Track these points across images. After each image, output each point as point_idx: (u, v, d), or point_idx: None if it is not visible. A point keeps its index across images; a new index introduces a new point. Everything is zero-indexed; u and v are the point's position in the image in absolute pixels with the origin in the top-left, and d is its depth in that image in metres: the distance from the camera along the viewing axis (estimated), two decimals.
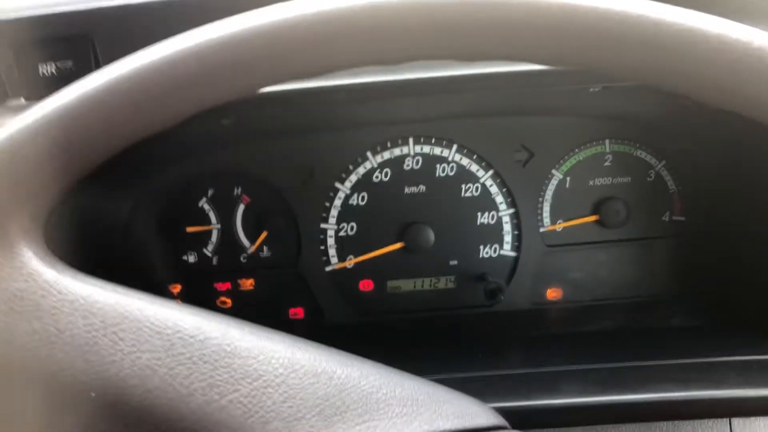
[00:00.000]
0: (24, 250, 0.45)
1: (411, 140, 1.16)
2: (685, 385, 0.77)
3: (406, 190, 1.17)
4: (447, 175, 1.17)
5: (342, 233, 1.17)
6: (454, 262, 1.18)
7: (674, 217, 1.18)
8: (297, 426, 0.43)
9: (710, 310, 1.08)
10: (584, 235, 1.18)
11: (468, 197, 1.17)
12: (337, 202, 1.16)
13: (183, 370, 0.43)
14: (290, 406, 0.43)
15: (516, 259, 1.19)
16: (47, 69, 0.75)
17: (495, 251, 1.19)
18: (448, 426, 0.45)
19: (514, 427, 0.50)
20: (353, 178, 1.16)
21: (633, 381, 0.79)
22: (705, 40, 0.46)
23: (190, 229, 1.16)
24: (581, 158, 1.17)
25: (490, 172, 1.17)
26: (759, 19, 0.74)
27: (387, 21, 0.46)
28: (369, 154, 1.16)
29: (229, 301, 1.18)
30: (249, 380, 0.44)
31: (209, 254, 1.17)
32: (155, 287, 1.14)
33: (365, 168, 1.16)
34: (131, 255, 1.12)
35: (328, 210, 1.16)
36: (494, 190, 1.17)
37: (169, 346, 0.44)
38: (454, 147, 1.16)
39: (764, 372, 0.79)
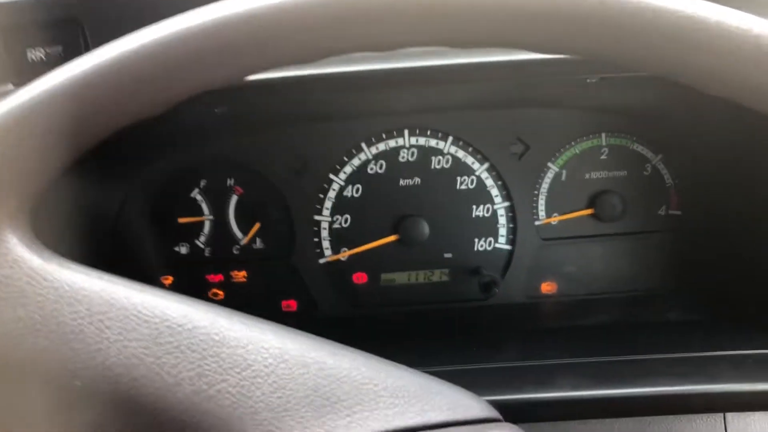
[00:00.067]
0: (9, 236, 0.44)
1: (406, 132, 1.15)
2: (680, 379, 0.76)
3: (401, 182, 1.16)
4: (442, 167, 1.16)
5: (336, 225, 1.17)
6: (448, 255, 1.18)
7: (670, 211, 1.18)
8: (286, 417, 0.43)
9: (706, 305, 1.08)
10: (580, 229, 1.18)
11: (463, 190, 1.17)
12: (332, 194, 1.16)
13: (170, 359, 0.43)
14: (279, 397, 0.43)
15: (511, 253, 1.18)
16: (36, 54, 0.74)
17: (490, 244, 1.18)
18: (441, 418, 0.45)
19: (507, 421, 0.49)
20: (348, 169, 1.15)
21: (628, 375, 0.78)
22: (704, 27, 0.45)
23: (182, 220, 1.15)
24: (577, 151, 1.16)
25: (486, 165, 1.16)
26: (760, 7, 0.73)
27: (380, 5, 0.45)
28: (364, 145, 1.15)
29: (221, 293, 1.17)
30: (238, 370, 0.43)
31: (201, 245, 1.16)
32: (146, 278, 1.11)
33: (360, 159, 1.15)
34: (122, 246, 1.11)
35: (322, 202, 1.16)
36: (489, 182, 1.17)
37: (157, 335, 0.43)
38: (450, 139, 1.16)
39: (759, 366, 0.78)
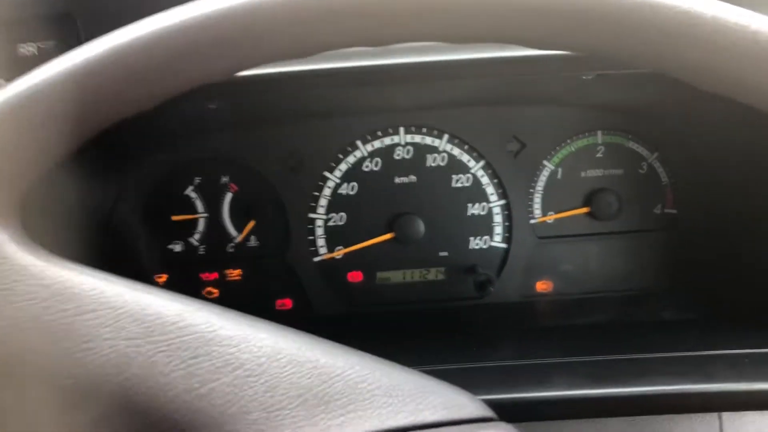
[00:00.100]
0: None
1: (402, 129, 1.15)
2: (676, 378, 0.76)
3: (397, 180, 1.16)
4: (438, 165, 1.16)
5: (331, 223, 1.16)
6: (444, 254, 1.17)
7: (666, 210, 1.18)
8: (279, 416, 0.42)
9: (702, 304, 1.07)
10: (575, 227, 1.18)
11: (459, 188, 1.16)
12: (327, 192, 1.15)
13: (162, 358, 0.42)
14: (272, 396, 0.42)
15: (506, 251, 1.18)
16: (28, 49, 0.74)
17: (485, 243, 1.18)
18: (435, 417, 0.44)
19: (502, 420, 0.49)
20: (343, 167, 1.15)
21: (623, 374, 0.78)
22: (701, 23, 0.45)
23: (176, 218, 1.15)
24: (573, 149, 1.16)
25: (482, 163, 1.16)
26: (758, 5, 0.72)
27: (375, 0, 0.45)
28: (359, 142, 1.14)
29: (215, 291, 1.16)
30: (230, 369, 0.42)
31: (196, 243, 1.16)
32: (140, 277, 1.10)
33: (355, 157, 1.15)
34: (116, 243, 1.10)
35: (317, 199, 1.15)
36: (485, 180, 1.16)
37: (149, 333, 0.43)
38: (446, 137, 1.15)
39: (755, 366, 0.78)
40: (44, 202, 0.53)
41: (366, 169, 1.15)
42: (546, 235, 1.18)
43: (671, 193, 1.17)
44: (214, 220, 1.15)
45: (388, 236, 1.15)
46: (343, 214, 1.16)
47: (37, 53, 0.74)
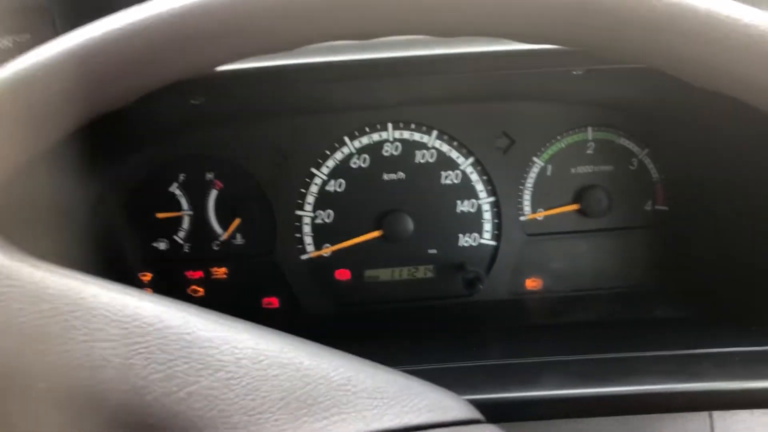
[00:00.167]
0: None
1: (390, 125, 1.14)
2: (666, 377, 0.76)
3: (385, 176, 1.15)
4: (427, 161, 1.15)
5: (318, 221, 1.15)
6: (433, 251, 1.17)
7: (657, 207, 1.17)
8: (261, 420, 0.41)
9: (692, 302, 1.07)
10: (565, 224, 1.17)
11: (448, 185, 1.16)
12: (314, 189, 1.14)
13: (140, 360, 0.41)
14: (253, 399, 0.41)
15: (496, 248, 1.17)
16: (3, 42, 0.72)
17: (474, 240, 1.17)
18: (420, 420, 0.44)
19: (491, 421, 0.48)
20: (330, 163, 1.14)
21: (613, 373, 0.77)
22: (693, 16, 0.45)
23: (160, 215, 1.13)
24: (563, 146, 1.16)
25: (471, 160, 1.15)
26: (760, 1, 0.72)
27: None
28: (347, 139, 1.13)
29: (201, 290, 1.15)
30: (210, 371, 0.41)
31: (180, 241, 1.14)
32: (124, 275, 1.12)
33: (343, 153, 1.14)
34: (99, 242, 1.09)
35: (304, 196, 1.14)
36: (474, 177, 1.15)
37: (126, 335, 0.42)
38: (435, 133, 1.14)
39: (746, 365, 0.78)
40: (20, 200, 0.52)
41: (354, 166, 1.14)
42: (535, 233, 1.17)
43: (661, 190, 1.17)
44: (199, 217, 1.14)
45: (376, 234, 1.14)
46: (330, 211, 1.15)
47: (12, 46, 0.72)
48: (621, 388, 0.75)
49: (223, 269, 1.15)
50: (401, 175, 1.15)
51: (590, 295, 1.16)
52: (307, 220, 1.15)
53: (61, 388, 0.41)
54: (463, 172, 1.15)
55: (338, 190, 1.14)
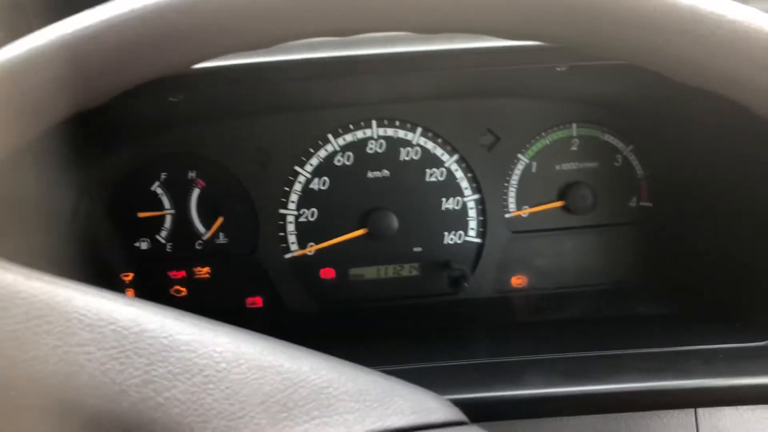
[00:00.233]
0: None
1: (374, 123, 1.13)
2: (651, 375, 0.76)
3: (369, 174, 1.14)
4: (411, 159, 1.14)
5: (302, 219, 1.14)
6: (418, 249, 1.16)
7: (641, 203, 1.18)
8: (240, 424, 0.40)
9: (677, 299, 1.07)
10: (550, 222, 1.17)
11: (432, 182, 1.15)
12: (297, 187, 1.13)
13: (115, 365, 0.40)
14: (232, 404, 0.41)
15: (481, 246, 1.17)
16: None
17: (460, 238, 1.16)
18: (402, 422, 0.43)
19: (475, 420, 0.47)
20: (314, 161, 1.13)
21: (598, 371, 0.77)
22: (677, 12, 0.44)
23: (142, 215, 1.12)
24: (548, 142, 1.15)
25: (455, 157, 1.14)
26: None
27: None
28: (330, 136, 1.12)
29: (183, 290, 1.14)
30: (188, 376, 0.41)
31: (163, 241, 1.13)
32: (106, 276, 1.10)
33: (326, 151, 1.13)
34: (80, 242, 1.07)
35: (287, 195, 1.13)
36: (459, 174, 1.15)
37: (101, 340, 0.40)
38: (419, 130, 1.14)
39: (730, 361, 0.78)
40: None
41: (338, 164, 1.13)
42: (520, 230, 1.17)
43: (646, 186, 1.17)
44: (182, 216, 1.12)
45: (360, 232, 1.13)
46: (314, 209, 1.14)
47: None
48: (606, 386, 0.75)
49: (206, 269, 1.14)
50: (385, 172, 1.14)
51: (575, 292, 1.16)
52: (290, 218, 1.14)
53: (34, 396, 0.40)
54: (448, 170, 1.15)
55: (322, 188, 1.13)
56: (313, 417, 0.42)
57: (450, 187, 1.15)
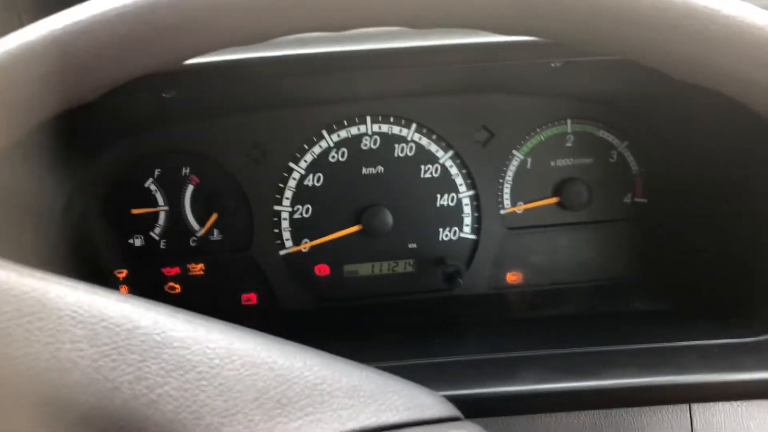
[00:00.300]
0: None
1: (369, 119, 1.13)
2: (646, 370, 0.76)
3: (364, 170, 1.14)
4: (406, 155, 1.14)
5: (297, 216, 1.14)
6: (413, 246, 1.16)
7: (636, 199, 1.18)
8: (233, 421, 0.40)
9: (672, 294, 1.07)
10: (545, 218, 1.17)
11: (427, 178, 1.15)
12: (292, 183, 1.13)
13: (108, 362, 0.40)
14: (226, 400, 0.40)
15: (476, 242, 1.17)
16: None
17: (454, 234, 1.16)
18: (396, 418, 0.43)
19: (470, 416, 0.47)
20: (308, 157, 1.12)
21: (593, 367, 0.77)
22: (671, 7, 0.44)
23: (135, 211, 1.11)
24: (542, 138, 1.15)
25: (450, 153, 1.14)
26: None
27: None
28: (325, 132, 1.12)
29: (177, 286, 1.14)
30: (181, 372, 0.40)
31: (156, 237, 1.12)
32: (99, 272, 1.10)
33: (321, 147, 1.12)
34: (73, 239, 1.07)
35: (282, 191, 1.13)
36: (454, 171, 1.15)
37: (93, 336, 0.40)
38: (413, 126, 1.13)
39: (725, 357, 0.78)
40: None
41: (332, 160, 1.13)
42: (515, 226, 1.17)
43: (641, 182, 1.17)
44: (176, 213, 1.12)
45: (355, 228, 1.13)
46: (309, 206, 1.14)
47: None
48: (600, 382, 0.75)
49: (201, 265, 1.13)
50: (380, 169, 1.14)
51: (570, 288, 1.16)
52: (285, 215, 1.13)
53: (26, 393, 0.39)
54: (443, 166, 1.15)
55: (316, 184, 1.13)
56: (307, 413, 0.41)
57: (445, 184, 1.15)
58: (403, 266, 1.16)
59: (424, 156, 1.14)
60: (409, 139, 1.14)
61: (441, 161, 1.14)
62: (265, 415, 0.41)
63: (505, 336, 0.95)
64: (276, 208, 1.13)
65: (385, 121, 1.13)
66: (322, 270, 1.15)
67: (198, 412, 0.40)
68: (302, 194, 1.13)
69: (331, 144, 1.12)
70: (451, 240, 1.16)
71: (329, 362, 0.44)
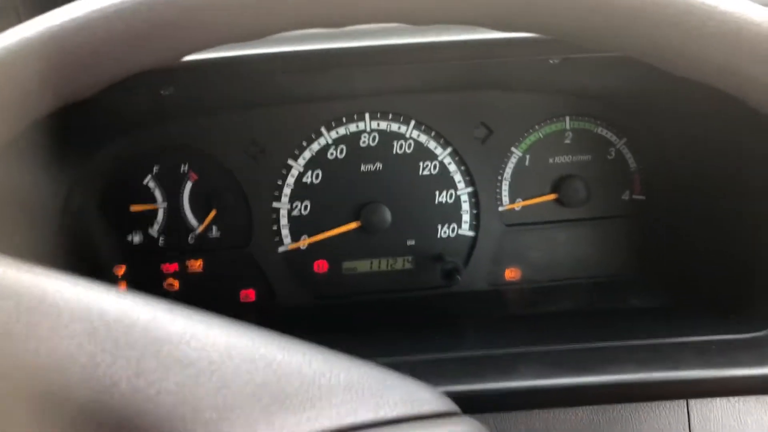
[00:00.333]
0: None
1: (367, 116, 1.13)
2: (644, 366, 0.76)
3: (362, 167, 1.14)
4: (404, 152, 1.14)
5: (295, 212, 1.14)
6: (411, 242, 1.16)
7: (634, 196, 1.18)
8: (232, 416, 0.40)
9: (670, 291, 1.08)
10: (543, 215, 1.17)
11: (426, 175, 1.15)
12: (290, 180, 1.13)
13: (107, 358, 0.40)
14: (224, 395, 0.40)
15: (474, 239, 1.17)
16: None
17: (453, 231, 1.16)
18: (394, 413, 0.43)
19: (468, 412, 0.47)
20: (307, 154, 1.12)
21: (591, 363, 0.77)
22: (670, 3, 0.44)
23: (134, 208, 1.11)
24: (541, 135, 1.15)
25: (449, 150, 1.14)
26: None
27: None
28: (323, 129, 1.12)
29: (176, 283, 1.13)
30: (179, 367, 0.40)
31: (155, 234, 1.13)
32: (98, 269, 1.10)
33: (319, 144, 1.12)
34: (72, 236, 1.07)
35: (280, 188, 1.13)
36: (452, 168, 1.15)
37: (92, 332, 0.40)
38: (412, 123, 1.13)
39: (722, 353, 0.78)
40: None
41: (331, 157, 1.13)
42: (514, 223, 1.17)
43: (639, 179, 1.17)
44: (174, 210, 1.12)
45: (354, 225, 1.13)
46: (307, 202, 1.14)
47: None
48: (598, 377, 0.75)
49: (199, 262, 1.13)
50: (379, 165, 1.14)
51: (569, 284, 1.16)
52: (283, 211, 1.13)
53: (24, 388, 0.39)
54: (441, 163, 1.15)
55: (315, 181, 1.13)
56: (306, 408, 0.41)
57: (443, 181, 1.15)
58: (402, 263, 1.17)
59: (423, 153, 1.14)
60: (407, 136, 1.14)
61: (439, 158, 1.15)
62: (264, 410, 0.41)
63: (504, 332, 0.95)
64: (274, 205, 1.13)
65: (384, 118, 1.13)
66: (320, 267, 1.15)
67: (197, 407, 0.40)
68: (301, 191, 1.13)
69: (330, 141, 1.13)
70: (449, 237, 1.17)
71: (327, 357, 0.44)
